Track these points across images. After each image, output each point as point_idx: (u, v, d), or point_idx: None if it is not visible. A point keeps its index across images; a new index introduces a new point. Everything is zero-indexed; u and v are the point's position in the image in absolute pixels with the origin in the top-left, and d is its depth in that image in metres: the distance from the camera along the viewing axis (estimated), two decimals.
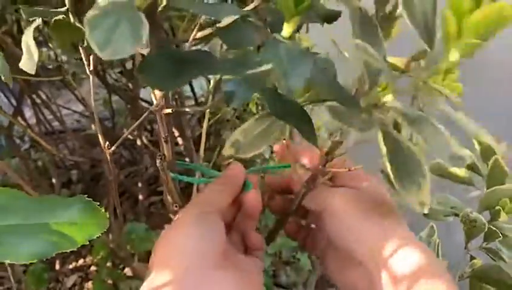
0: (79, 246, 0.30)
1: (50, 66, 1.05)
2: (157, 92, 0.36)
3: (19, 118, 1.12)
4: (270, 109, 0.31)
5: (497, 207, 0.47)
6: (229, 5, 0.31)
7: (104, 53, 0.24)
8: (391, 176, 0.28)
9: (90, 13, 0.25)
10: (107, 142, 0.46)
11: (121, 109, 1.17)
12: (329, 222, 0.35)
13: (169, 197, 0.40)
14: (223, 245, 0.32)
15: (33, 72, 0.33)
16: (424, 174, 0.29)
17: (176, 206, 0.40)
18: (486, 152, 0.52)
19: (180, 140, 0.87)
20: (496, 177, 0.49)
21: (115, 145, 0.42)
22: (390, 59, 0.29)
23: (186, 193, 0.46)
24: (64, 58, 0.93)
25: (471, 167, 0.54)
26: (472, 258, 0.52)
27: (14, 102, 1.11)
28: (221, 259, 0.31)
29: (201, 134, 0.59)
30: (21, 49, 0.37)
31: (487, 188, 0.50)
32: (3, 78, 0.33)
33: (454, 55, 0.26)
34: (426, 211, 0.29)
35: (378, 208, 0.35)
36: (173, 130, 0.88)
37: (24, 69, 0.33)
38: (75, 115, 1.46)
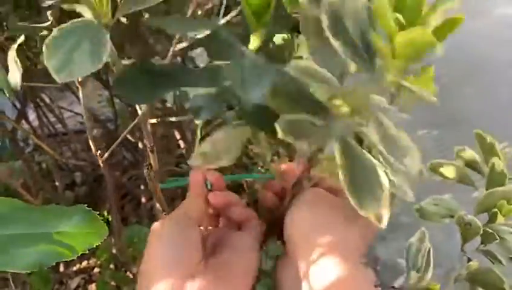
0: (79, 255, 0.31)
1: None
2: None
3: (23, 121, 1.13)
4: (244, 118, 0.31)
5: (495, 209, 0.47)
6: (201, 20, 0.31)
7: (60, 76, 0.24)
8: (345, 187, 0.27)
9: (51, 36, 0.25)
10: (106, 146, 0.47)
11: (123, 110, 1.18)
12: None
13: (158, 205, 0.41)
14: (198, 252, 0.33)
15: (17, 88, 0.33)
16: (382, 187, 0.28)
17: (165, 214, 0.40)
18: (487, 152, 0.52)
19: (181, 143, 0.88)
20: (496, 179, 0.49)
21: (107, 153, 0.42)
22: None
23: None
24: None
25: (472, 166, 0.54)
26: (469, 260, 0.52)
27: (18, 104, 1.12)
28: (199, 265, 0.32)
29: (203, 136, 0.59)
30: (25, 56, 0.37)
31: (486, 190, 0.50)
32: (6, 94, 0.34)
33: (390, 76, 0.26)
34: (383, 226, 0.28)
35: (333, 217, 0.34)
36: (175, 132, 0.89)
37: (11, 82, 0.34)
38: (78, 117, 1.47)
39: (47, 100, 1.12)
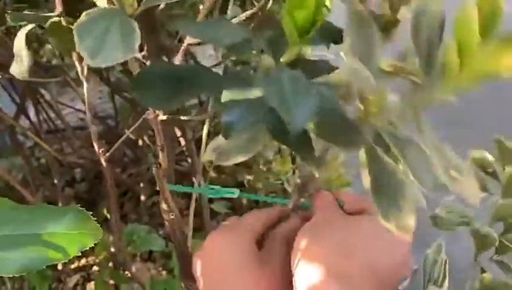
0: (71, 257, 0.30)
1: (55, 62, 1.04)
2: None
3: (23, 116, 1.12)
4: (268, 129, 0.29)
5: (510, 220, 0.46)
6: (229, 25, 0.29)
7: (95, 61, 0.23)
8: (372, 196, 0.26)
9: (79, 20, 0.24)
10: (108, 143, 0.46)
11: (123, 107, 1.17)
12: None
13: (164, 205, 0.39)
14: (253, 254, 0.35)
15: (21, 77, 0.32)
16: (405, 197, 0.27)
17: (172, 215, 0.39)
18: (505, 158, 0.50)
19: (182, 141, 0.87)
20: None
21: (109, 152, 0.41)
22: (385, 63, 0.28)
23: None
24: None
25: (489, 172, 0.53)
26: (482, 271, 0.50)
27: (17, 99, 1.11)
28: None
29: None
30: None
31: (502, 198, 0.48)
32: None
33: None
34: (409, 237, 0.26)
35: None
36: (176, 130, 0.87)
37: (14, 74, 0.32)
38: (79, 114, 1.46)
39: (47, 96, 1.10)
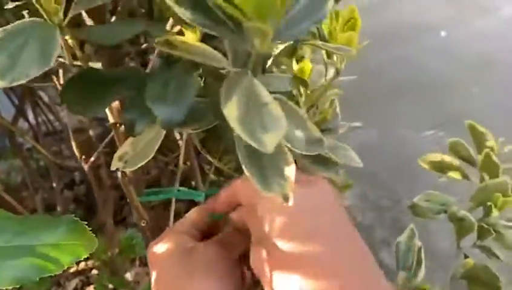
0: (65, 268, 0.29)
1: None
2: (113, 107, 0.35)
3: (22, 119, 1.11)
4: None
5: (489, 203, 0.45)
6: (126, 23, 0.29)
7: (4, 81, 0.22)
8: (246, 167, 0.25)
9: None
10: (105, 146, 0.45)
11: None
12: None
13: (135, 213, 0.39)
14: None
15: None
16: (288, 164, 0.26)
17: (144, 223, 0.39)
18: (479, 142, 0.50)
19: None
20: (489, 170, 0.47)
21: (91, 159, 0.40)
22: None
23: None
24: None
25: (467, 159, 0.52)
26: (466, 257, 0.50)
27: (16, 101, 1.10)
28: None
29: (203, 138, 0.57)
30: None
31: (480, 182, 0.48)
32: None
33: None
34: (290, 203, 0.26)
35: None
36: (176, 133, 0.87)
37: None
38: (78, 115, 1.45)
39: (46, 98, 1.10)
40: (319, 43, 0.29)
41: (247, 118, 0.22)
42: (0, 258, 0.28)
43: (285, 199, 0.25)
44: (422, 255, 0.48)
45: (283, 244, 0.29)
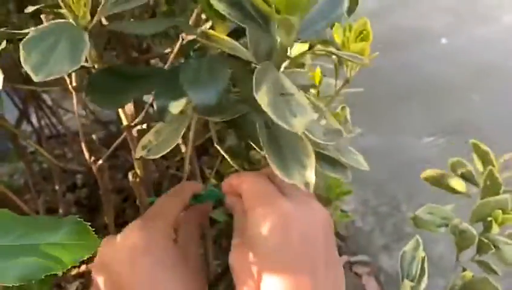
0: (68, 268, 0.30)
1: None
2: (127, 109, 0.36)
3: (25, 122, 1.12)
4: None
5: (490, 218, 0.46)
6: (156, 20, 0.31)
7: (38, 76, 0.24)
8: (268, 155, 0.27)
9: (27, 37, 0.25)
10: (92, 157, 0.46)
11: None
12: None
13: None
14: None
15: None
16: (308, 153, 0.28)
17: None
18: (483, 161, 0.51)
19: (183, 147, 0.87)
20: (491, 188, 0.48)
21: (101, 160, 0.41)
22: None
23: None
24: None
25: (467, 178, 0.53)
26: (464, 270, 0.51)
27: (19, 104, 1.11)
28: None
29: (206, 140, 0.58)
30: None
31: (481, 199, 0.49)
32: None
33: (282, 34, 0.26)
34: (311, 191, 0.28)
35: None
36: None
37: None
38: (81, 119, 1.46)
39: (49, 101, 1.11)
40: (334, 50, 0.31)
41: (277, 104, 0.24)
42: (6, 257, 0.29)
43: (306, 185, 0.28)
44: (426, 265, 0.49)
45: (278, 252, 0.30)
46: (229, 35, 0.30)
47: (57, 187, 0.84)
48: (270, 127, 0.29)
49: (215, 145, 0.40)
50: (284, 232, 0.31)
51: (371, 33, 0.33)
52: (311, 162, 0.28)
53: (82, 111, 1.32)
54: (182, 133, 0.34)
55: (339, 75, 0.38)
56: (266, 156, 0.27)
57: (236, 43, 0.26)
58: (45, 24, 0.25)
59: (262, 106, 0.23)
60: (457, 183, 0.53)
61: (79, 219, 0.32)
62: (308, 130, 0.28)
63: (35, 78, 0.23)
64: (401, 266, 0.48)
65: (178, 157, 1.08)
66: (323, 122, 0.29)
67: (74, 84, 0.40)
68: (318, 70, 0.40)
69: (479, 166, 0.52)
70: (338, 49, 0.34)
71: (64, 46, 0.25)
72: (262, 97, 0.23)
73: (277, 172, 0.27)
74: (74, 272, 1.01)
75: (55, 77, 0.24)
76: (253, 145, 0.32)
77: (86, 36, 0.25)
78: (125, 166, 1.33)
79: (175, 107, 0.27)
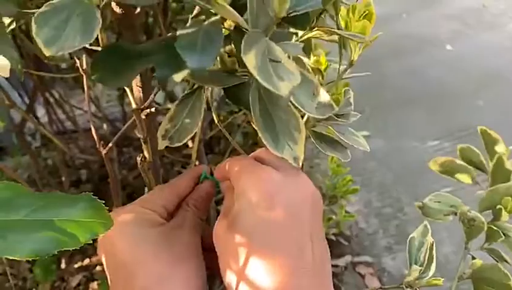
0: (82, 244, 0.30)
1: (64, 66, 1.06)
2: (135, 93, 0.36)
3: (31, 116, 1.13)
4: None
5: (499, 206, 0.45)
6: None
7: (50, 50, 0.24)
8: (259, 128, 0.27)
9: (40, 10, 0.24)
10: (116, 145, 0.46)
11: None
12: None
13: None
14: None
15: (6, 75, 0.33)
16: (299, 128, 0.28)
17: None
18: (491, 148, 0.50)
19: (190, 143, 0.87)
20: (500, 175, 0.47)
21: (108, 146, 0.41)
22: None
23: None
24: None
25: (476, 165, 0.52)
26: (473, 258, 0.50)
27: (27, 100, 1.12)
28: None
29: (212, 137, 0.58)
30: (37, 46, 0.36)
31: (490, 186, 0.48)
32: (14, 68, 0.33)
33: None
34: (297, 165, 0.28)
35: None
36: None
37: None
38: (87, 115, 1.47)
39: (57, 97, 1.11)
40: (334, 29, 0.31)
41: (264, 68, 0.23)
42: (20, 231, 0.29)
43: (295, 160, 0.28)
44: (434, 251, 0.48)
45: (262, 229, 0.29)
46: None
47: (63, 179, 0.85)
48: (264, 99, 0.28)
49: (219, 124, 0.40)
50: (269, 204, 0.29)
51: (375, 15, 0.33)
52: (302, 137, 0.28)
53: (86, 108, 1.33)
54: (202, 115, 0.33)
55: (342, 61, 0.37)
56: (256, 128, 0.27)
57: (231, 9, 0.25)
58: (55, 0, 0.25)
59: (249, 68, 0.23)
60: (465, 174, 0.52)
61: (94, 197, 0.32)
62: (300, 103, 0.28)
63: (47, 52, 0.23)
64: (409, 251, 0.47)
65: (184, 152, 1.08)
66: (319, 98, 0.29)
67: (84, 67, 0.40)
68: (323, 54, 0.39)
69: (486, 153, 0.51)
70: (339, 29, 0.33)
71: (76, 21, 0.25)
72: (250, 60, 0.23)
73: (267, 145, 0.27)
74: (77, 265, 1.02)
75: (66, 52, 0.23)
76: (250, 117, 0.31)
77: (99, 13, 0.25)
78: (129, 163, 1.34)
79: (177, 76, 0.27)
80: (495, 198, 0.45)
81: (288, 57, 0.26)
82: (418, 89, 2.12)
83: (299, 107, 0.27)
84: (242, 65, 0.29)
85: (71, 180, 1.24)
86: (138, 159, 0.39)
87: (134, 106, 0.36)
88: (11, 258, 0.28)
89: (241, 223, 0.30)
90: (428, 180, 1.41)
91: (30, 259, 0.29)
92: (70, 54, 0.99)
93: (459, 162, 0.52)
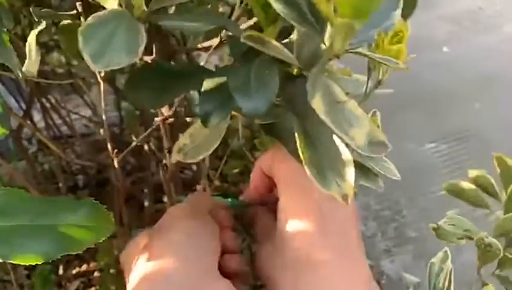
0: (85, 249, 0.30)
1: (61, 70, 1.05)
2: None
3: (28, 122, 1.12)
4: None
5: None
6: (207, 15, 0.30)
7: (97, 65, 0.23)
8: (305, 163, 0.25)
9: (86, 23, 0.24)
10: (115, 150, 0.46)
11: (129, 114, 1.17)
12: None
13: None
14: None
15: (34, 75, 0.33)
16: (345, 163, 0.26)
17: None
18: (507, 175, 0.51)
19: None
20: None
21: (124, 153, 0.41)
22: None
23: None
24: (75, 62, 0.93)
25: (488, 190, 0.53)
26: (484, 284, 0.50)
27: (23, 106, 1.11)
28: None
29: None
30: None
31: (505, 213, 0.48)
32: (15, 73, 0.33)
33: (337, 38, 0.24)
34: (349, 204, 0.26)
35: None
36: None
37: (27, 73, 0.33)
38: (84, 120, 1.46)
39: (53, 102, 1.11)
40: (369, 53, 0.29)
41: (333, 112, 0.23)
42: (24, 236, 0.29)
43: (344, 198, 0.26)
44: (452, 277, 0.48)
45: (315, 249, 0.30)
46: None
47: (60, 184, 0.84)
48: (308, 133, 0.27)
49: (242, 148, 0.40)
50: (321, 224, 0.30)
51: (407, 35, 0.32)
52: (351, 172, 0.26)
53: (86, 114, 1.33)
54: (222, 134, 0.32)
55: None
56: (303, 162, 0.25)
57: (284, 48, 0.24)
58: (102, 12, 0.24)
59: (319, 114, 0.22)
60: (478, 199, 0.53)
61: (96, 201, 0.32)
62: (354, 141, 0.25)
63: (93, 67, 0.23)
64: (429, 277, 0.48)
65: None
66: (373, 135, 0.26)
67: (102, 74, 0.40)
68: (348, 71, 0.39)
69: (500, 179, 0.51)
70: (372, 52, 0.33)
71: (121, 37, 0.24)
72: (318, 104, 0.22)
73: (314, 181, 0.25)
74: (75, 271, 1.01)
75: (114, 67, 0.23)
76: (288, 150, 0.30)
77: (143, 28, 0.24)
78: (125, 168, 1.33)
79: (221, 114, 0.26)
80: (509, 225, 0.45)
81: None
82: (414, 91, 2.13)
83: (352, 145, 0.25)
84: (283, 97, 0.28)
85: (68, 186, 1.23)
86: (160, 168, 0.39)
87: (160, 116, 0.36)
88: (14, 263, 0.28)
89: (291, 249, 0.30)
90: (426, 182, 1.42)
91: (34, 264, 0.29)
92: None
93: (469, 187, 0.52)
